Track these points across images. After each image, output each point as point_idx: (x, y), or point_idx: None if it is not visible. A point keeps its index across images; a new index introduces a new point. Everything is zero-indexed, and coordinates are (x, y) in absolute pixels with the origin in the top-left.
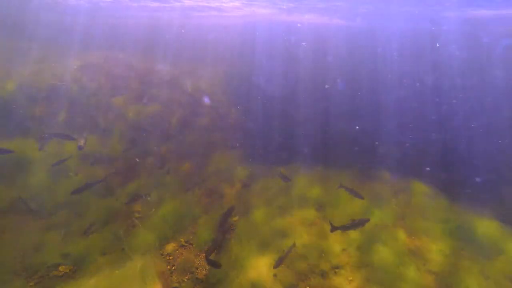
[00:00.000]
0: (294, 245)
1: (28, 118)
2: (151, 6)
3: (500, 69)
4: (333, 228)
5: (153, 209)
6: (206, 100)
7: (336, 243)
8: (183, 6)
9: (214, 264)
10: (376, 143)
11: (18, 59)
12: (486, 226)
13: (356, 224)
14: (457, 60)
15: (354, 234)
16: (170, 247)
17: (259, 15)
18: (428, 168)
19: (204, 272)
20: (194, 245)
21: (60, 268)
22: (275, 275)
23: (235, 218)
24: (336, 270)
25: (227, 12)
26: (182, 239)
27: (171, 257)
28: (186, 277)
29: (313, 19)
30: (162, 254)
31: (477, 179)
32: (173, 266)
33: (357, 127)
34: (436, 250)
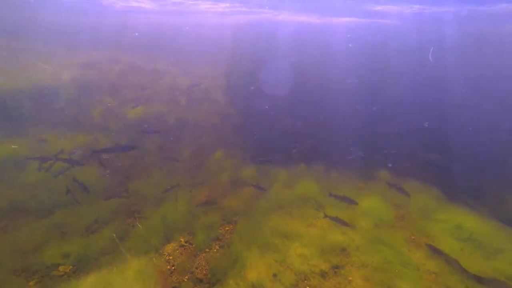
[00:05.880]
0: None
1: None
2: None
3: None
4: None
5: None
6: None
7: (336, 243)
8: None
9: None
10: None
11: None
12: (485, 226)
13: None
14: None
15: (354, 234)
16: (170, 247)
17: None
18: None
19: (204, 272)
20: (194, 245)
21: (60, 268)
22: (275, 275)
23: (235, 218)
24: (336, 270)
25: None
26: (182, 239)
27: (171, 257)
28: (186, 277)
29: None
30: (162, 254)
31: None
32: (173, 266)
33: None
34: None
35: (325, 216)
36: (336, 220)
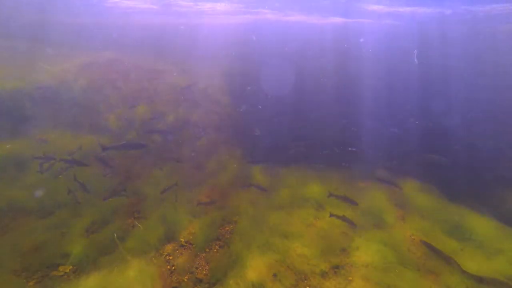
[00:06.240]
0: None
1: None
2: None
3: None
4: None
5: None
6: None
7: (336, 243)
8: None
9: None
10: None
11: None
12: (485, 226)
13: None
14: None
15: (354, 234)
16: (170, 247)
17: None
18: None
19: (204, 272)
20: (194, 245)
21: (60, 268)
22: (275, 275)
23: (235, 218)
24: (336, 270)
25: None
26: (182, 239)
27: (171, 257)
28: (186, 277)
29: None
30: (162, 254)
31: None
32: (173, 266)
33: None
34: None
35: (331, 215)
36: (343, 219)
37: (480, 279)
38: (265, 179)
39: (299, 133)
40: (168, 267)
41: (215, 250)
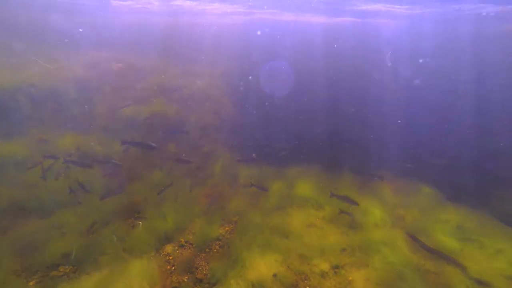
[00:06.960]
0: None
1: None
2: None
3: None
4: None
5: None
6: None
7: (336, 243)
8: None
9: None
10: None
11: None
12: (485, 226)
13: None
14: None
15: (354, 234)
16: (170, 247)
17: None
18: None
19: (204, 272)
20: (194, 245)
21: (60, 268)
22: (275, 275)
23: (235, 218)
24: (336, 270)
25: None
26: (182, 239)
27: (171, 257)
28: (186, 277)
29: None
30: (162, 254)
31: None
32: (173, 266)
33: None
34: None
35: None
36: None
37: (480, 280)
38: (265, 179)
39: (294, 132)
40: (168, 267)
41: (215, 250)
